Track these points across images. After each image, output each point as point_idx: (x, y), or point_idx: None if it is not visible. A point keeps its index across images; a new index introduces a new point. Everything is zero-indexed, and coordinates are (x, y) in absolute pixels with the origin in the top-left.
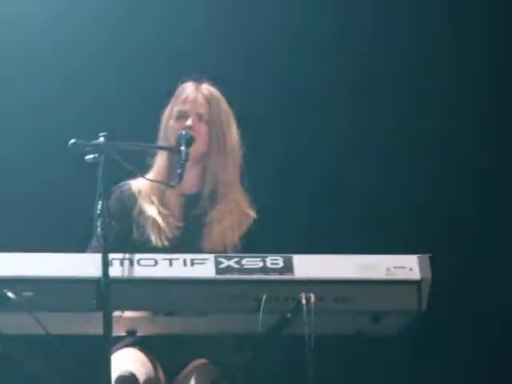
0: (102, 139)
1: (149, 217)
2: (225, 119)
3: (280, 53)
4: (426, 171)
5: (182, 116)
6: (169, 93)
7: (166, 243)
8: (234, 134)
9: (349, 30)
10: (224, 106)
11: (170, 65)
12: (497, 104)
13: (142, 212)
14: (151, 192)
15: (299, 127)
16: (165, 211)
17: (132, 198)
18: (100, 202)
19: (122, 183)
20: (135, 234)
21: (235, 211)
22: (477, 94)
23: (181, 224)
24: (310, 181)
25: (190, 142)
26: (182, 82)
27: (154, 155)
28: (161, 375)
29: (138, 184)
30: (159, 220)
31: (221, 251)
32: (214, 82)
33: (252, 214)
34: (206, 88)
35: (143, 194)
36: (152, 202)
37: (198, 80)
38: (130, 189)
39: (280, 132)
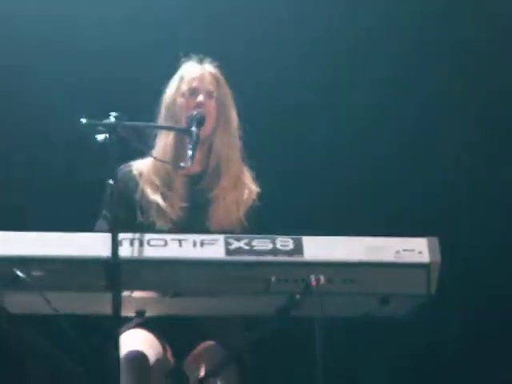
0: (112, 119)
1: (152, 201)
2: (229, 98)
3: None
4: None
5: (192, 93)
6: (168, 72)
7: (171, 225)
8: (235, 115)
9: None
10: (227, 85)
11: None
12: None
13: (144, 196)
14: (153, 174)
15: (300, 109)
16: (168, 193)
17: (134, 181)
18: (110, 182)
19: (123, 165)
20: (140, 218)
21: (239, 186)
22: None
23: (185, 204)
24: (316, 160)
25: (201, 121)
26: (184, 62)
27: (155, 135)
28: (170, 356)
29: (138, 166)
30: (162, 203)
31: (227, 227)
32: (214, 62)
33: (255, 188)
34: (211, 68)
35: (145, 177)
36: (155, 185)
37: (201, 60)
38: (131, 171)
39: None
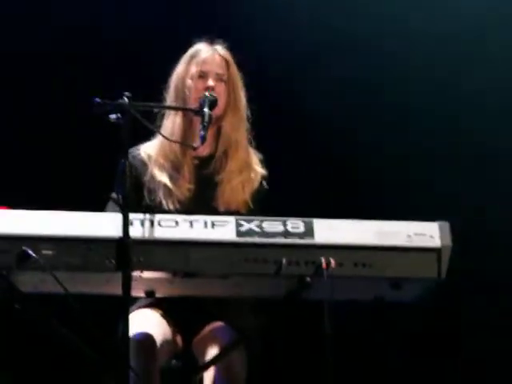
0: (125, 99)
1: (159, 182)
2: (239, 81)
3: None
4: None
5: (203, 76)
6: (177, 52)
7: (178, 206)
8: (244, 95)
9: None
10: (236, 67)
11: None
12: None
13: (152, 177)
14: (162, 156)
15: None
16: (176, 175)
17: (142, 164)
18: (122, 162)
19: (132, 149)
20: (146, 200)
21: (245, 169)
22: None
23: (192, 186)
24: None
25: (213, 104)
26: (194, 43)
27: (163, 116)
28: (178, 337)
29: (147, 149)
30: (170, 184)
31: (233, 208)
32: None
33: (261, 170)
34: (222, 49)
35: (154, 159)
36: (163, 167)
37: (211, 41)
38: (139, 154)
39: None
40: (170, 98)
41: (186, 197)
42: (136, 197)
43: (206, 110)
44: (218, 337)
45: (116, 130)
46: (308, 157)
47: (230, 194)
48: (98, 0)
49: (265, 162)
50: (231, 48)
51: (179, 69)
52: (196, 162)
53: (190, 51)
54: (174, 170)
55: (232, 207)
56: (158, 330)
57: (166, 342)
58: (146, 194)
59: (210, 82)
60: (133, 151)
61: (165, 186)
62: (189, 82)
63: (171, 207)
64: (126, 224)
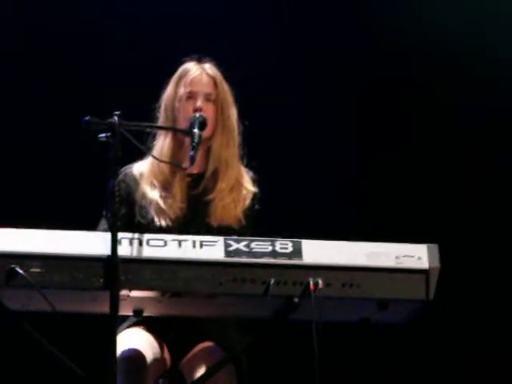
0: (115, 118)
1: (151, 200)
2: (228, 98)
3: None
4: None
5: (191, 97)
6: (167, 73)
7: (170, 223)
8: (234, 112)
9: None
10: (226, 85)
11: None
12: None
13: (144, 195)
14: (153, 175)
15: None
16: (166, 194)
17: (135, 182)
18: (111, 181)
19: (125, 167)
20: (138, 218)
21: (236, 188)
22: None
23: (183, 205)
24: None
25: (203, 124)
26: (183, 63)
27: (153, 136)
28: (166, 356)
29: (139, 167)
30: (161, 203)
31: (226, 225)
32: (214, 61)
33: (252, 188)
34: (210, 68)
35: (145, 178)
36: (154, 185)
37: (200, 60)
38: (131, 172)
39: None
40: (160, 119)
41: (177, 215)
42: (128, 214)
43: (195, 130)
44: (206, 356)
45: (107, 149)
46: (299, 176)
47: (222, 211)
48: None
49: (257, 181)
50: (220, 65)
51: (168, 90)
52: (187, 179)
53: (179, 71)
54: (165, 189)
55: (225, 223)
56: (147, 349)
57: (154, 361)
58: (137, 211)
59: (199, 103)
60: (126, 169)
61: (156, 203)
62: (177, 103)
63: (163, 224)
64: (115, 243)
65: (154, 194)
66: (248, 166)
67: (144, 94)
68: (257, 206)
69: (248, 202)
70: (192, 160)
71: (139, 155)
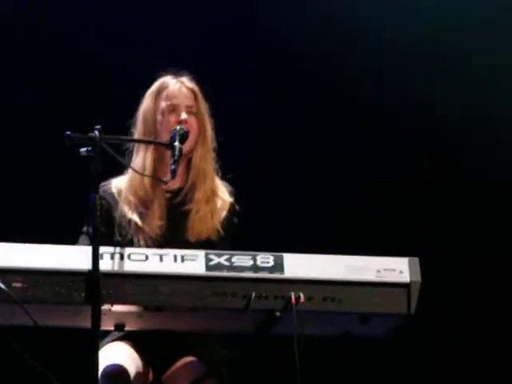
0: (96, 132)
1: (130, 219)
2: (206, 111)
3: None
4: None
5: (173, 110)
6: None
7: (149, 243)
8: (211, 125)
9: None
10: (202, 97)
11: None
12: None
13: (122, 214)
14: (132, 192)
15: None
16: (146, 211)
17: (113, 199)
18: (92, 195)
19: (103, 183)
20: (117, 237)
21: (211, 199)
22: None
23: (162, 222)
24: (297, 175)
25: (184, 137)
26: (159, 77)
27: (132, 152)
28: (149, 370)
29: (118, 183)
30: (139, 222)
31: (205, 238)
32: (191, 75)
33: (228, 198)
34: (188, 81)
35: (123, 195)
36: (131, 204)
37: (177, 74)
38: (110, 189)
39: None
40: (138, 134)
41: (156, 234)
42: (107, 233)
43: (176, 143)
44: (188, 370)
45: (87, 163)
46: (279, 190)
47: (199, 224)
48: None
49: (234, 194)
50: (196, 79)
51: (147, 104)
52: (167, 195)
53: (156, 85)
54: (144, 206)
55: (203, 236)
56: (129, 363)
57: (137, 375)
58: (116, 230)
59: (184, 115)
60: (104, 185)
61: (135, 223)
62: (159, 117)
63: (142, 244)
64: (96, 257)
65: (132, 213)
66: (223, 179)
67: (117, 109)
68: (235, 220)
69: (225, 212)
70: (173, 174)
71: (123, 169)
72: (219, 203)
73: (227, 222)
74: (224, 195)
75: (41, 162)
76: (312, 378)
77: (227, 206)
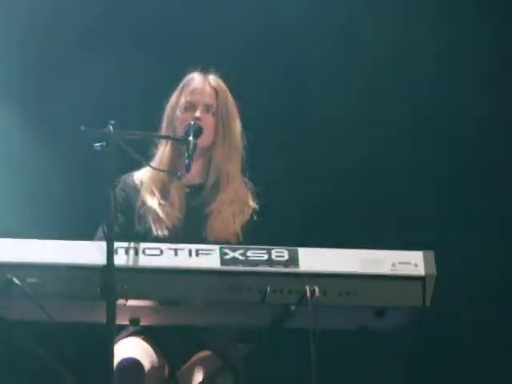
0: (110, 127)
1: (150, 207)
2: (231, 110)
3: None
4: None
5: (190, 107)
6: (173, 81)
7: (166, 233)
8: (238, 125)
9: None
10: (230, 97)
11: (175, 53)
12: None
13: (143, 203)
14: (152, 183)
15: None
16: (165, 202)
17: (135, 190)
18: (107, 191)
19: (126, 175)
20: (137, 226)
21: (236, 201)
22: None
23: (181, 215)
24: (318, 175)
25: (198, 132)
26: (189, 72)
27: (156, 145)
28: (164, 365)
29: (140, 175)
30: (159, 211)
31: (223, 239)
32: (220, 73)
33: (252, 203)
34: (214, 79)
35: (145, 186)
36: (153, 193)
37: (205, 71)
38: (132, 180)
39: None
40: (162, 128)
41: (174, 224)
42: (126, 222)
43: (190, 138)
44: (204, 365)
45: (101, 158)
46: (295, 185)
47: (221, 226)
48: None
49: (255, 193)
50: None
51: (171, 99)
52: (187, 190)
53: (183, 81)
54: (164, 197)
55: (222, 238)
56: (144, 358)
57: (152, 370)
58: (136, 219)
59: (197, 114)
60: (126, 177)
61: (155, 212)
62: (178, 113)
63: (160, 234)
64: (111, 252)
65: (152, 201)
66: (250, 178)
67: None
68: (256, 219)
69: (247, 217)
70: (187, 168)
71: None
72: (243, 207)
73: (248, 227)
74: (249, 199)
75: (57, 156)
76: (328, 372)
77: (250, 211)
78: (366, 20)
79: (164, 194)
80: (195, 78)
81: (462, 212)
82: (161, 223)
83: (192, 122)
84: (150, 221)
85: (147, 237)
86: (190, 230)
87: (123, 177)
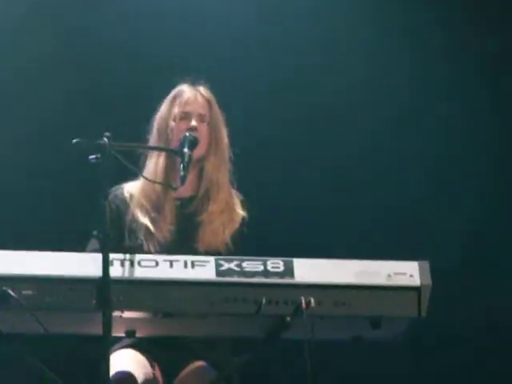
0: (104, 139)
1: (141, 223)
2: (221, 121)
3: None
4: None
5: (185, 117)
6: (159, 94)
7: (158, 248)
8: (226, 136)
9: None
10: (218, 108)
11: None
12: None
13: (134, 218)
14: (142, 196)
15: (296, 133)
16: (157, 216)
17: (124, 203)
18: (102, 202)
19: (115, 187)
20: (127, 241)
21: (226, 211)
22: None
23: (173, 227)
24: (309, 184)
25: (193, 143)
26: (177, 84)
27: (146, 156)
28: (159, 376)
29: (130, 188)
30: (151, 226)
31: (213, 248)
32: (207, 84)
33: (242, 213)
34: (204, 90)
35: (136, 200)
36: (144, 208)
37: (194, 82)
38: (122, 193)
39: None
40: (153, 139)
41: (166, 239)
42: (117, 237)
43: (185, 150)
44: (198, 376)
45: (96, 170)
46: (288, 195)
47: (211, 236)
48: None
49: (245, 204)
50: (214, 88)
51: (162, 110)
52: (178, 202)
53: (173, 92)
54: (155, 211)
55: (212, 248)
56: (139, 370)
57: (147, 382)
58: (126, 234)
59: (193, 123)
60: (116, 189)
61: (146, 227)
62: (172, 123)
63: (152, 249)
64: (106, 264)
65: (143, 217)
66: (240, 188)
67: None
68: (244, 229)
69: (237, 226)
70: (182, 180)
71: (134, 174)
72: (232, 216)
73: (237, 236)
74: (238, 208)
75: (50, 167)
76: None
77: (239, 220)
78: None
79: (157, 206)
80: (186, 89)
81: None
82: (152, 239)
83: (187, 134)
84: (142, 236)
85: (138, 252)
86: (181, 243)
87: (113, 189)
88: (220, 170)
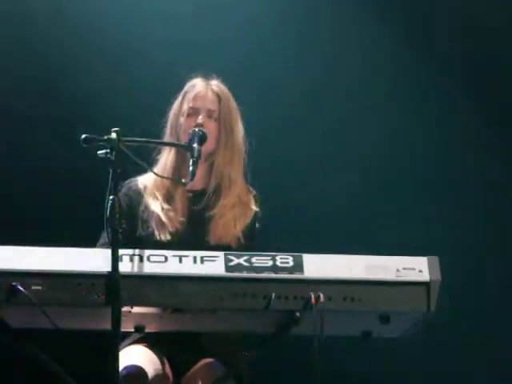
0: (113, 135)
1: (152, 212)
2: (233, 116)
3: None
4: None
5: (193, 113)
6: (176, 89)
7: (169, 237)
8: (240, 130)
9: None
10: (232, 102)
11: (177, 60)
12: None
13: (146, 208)
14: (156, 188)
15: (307, 129)
16: (168, 207)
17: (138, 195)
18: (111, 197)
19: (130, 180)
20: (140, 231)
21: (237, 205)
22: None
23: (184, 219)
24: (320, 180)
25: (202, 139)
26: (191, 79)
27: (159, 150)
28: (168, 372)
29: (144, 180)
30: (162, 216)
31: (225, 242)
32: (222, 78)
33: (254, 207)
34: (216, 84)
35: (148, 190)
36: (156, 198)
37: (207, 76)
38: (136, 185)
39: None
40: (166, 135)
41: (177, 229)
42: (130, 228)
43: (194, 145)
44: (208, 372)
45: (106, 165)
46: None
47: (222, 230)
48: None
49: (259, 200)
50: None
51: (174, 106)
52: (189, 195)
53: (185, 87)
54: (167, 202)
55: (223, 242)
56: (148, 366)
57: (156, 377)
58: (139, 224)
59: (200, 119)
60: (130, 182)
61: (158, 216)
62: (181, 119)
63: (163, 238)
64: (116, 259)
65: (156, 206)
66: (252, 184)
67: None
68: (257, 225)
69: (248, 221)
70: (192, 175)
71: (145, 168)
72: (244, 211)
73: (249, 231)
74: (250, 203)
75: (60, 162)
76: (332, 378)
77: (251, 215)
78: None
79: (167, 198)
80: (197, 84)
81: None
82: (164, 228)
83: (196, 129)
84: (153, 225)
85: (150, 241)
86: (192, 234)
87: (127, 182)
88: (232, 165)
